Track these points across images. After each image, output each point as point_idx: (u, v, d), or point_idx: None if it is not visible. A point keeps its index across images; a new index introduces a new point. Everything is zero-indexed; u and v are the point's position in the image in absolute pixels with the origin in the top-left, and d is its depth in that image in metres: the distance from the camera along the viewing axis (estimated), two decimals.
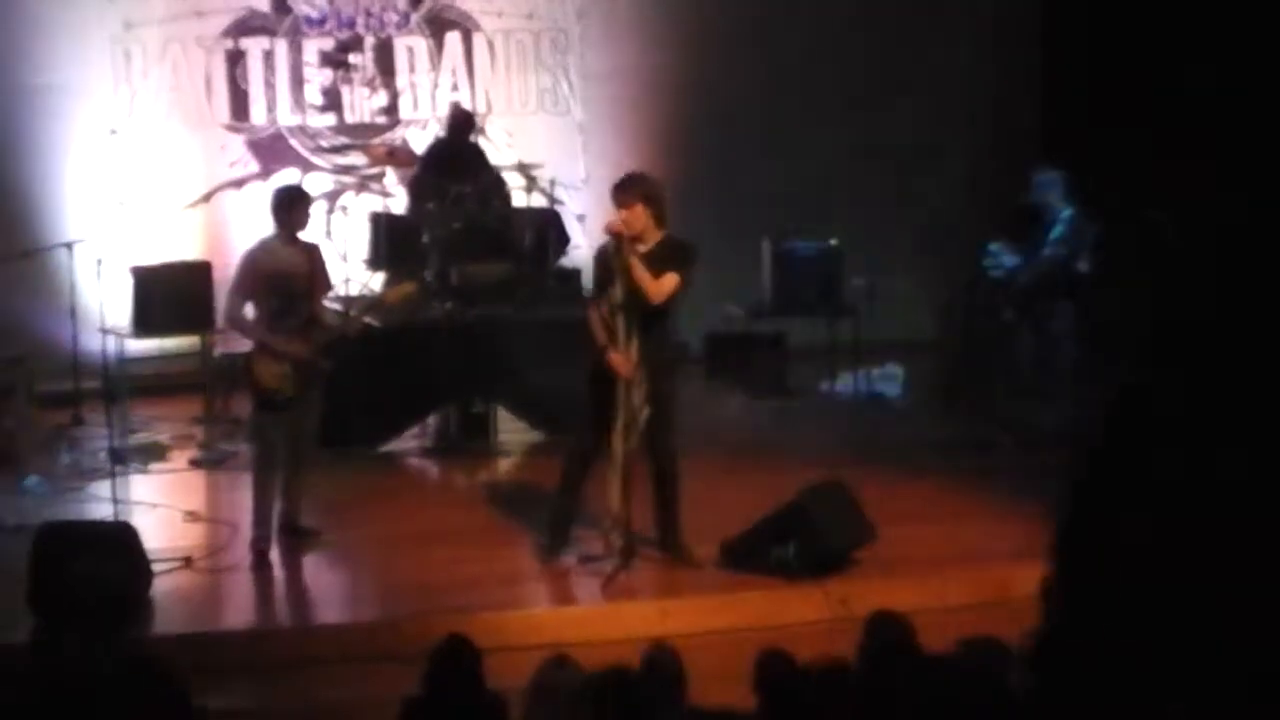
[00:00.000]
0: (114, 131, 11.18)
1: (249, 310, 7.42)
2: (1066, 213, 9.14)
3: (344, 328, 7.66)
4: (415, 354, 9.50)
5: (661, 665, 4.58)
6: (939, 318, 12.06)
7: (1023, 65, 12.51)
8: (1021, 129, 12.28)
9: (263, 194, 11.54)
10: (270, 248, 7.44)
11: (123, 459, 8.79)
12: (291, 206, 7.46)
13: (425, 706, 4.65)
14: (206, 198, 11.51)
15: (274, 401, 7.36)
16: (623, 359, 6.82)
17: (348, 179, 11.69)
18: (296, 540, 7.54)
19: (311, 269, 7.45)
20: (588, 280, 7.85)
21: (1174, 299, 8.73)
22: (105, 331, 9.48)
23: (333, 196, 11.69)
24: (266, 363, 7.31)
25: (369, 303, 9.35)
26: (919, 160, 12.48)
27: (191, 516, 8.12)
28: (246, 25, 11.57)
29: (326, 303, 7.78)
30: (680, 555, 7.07)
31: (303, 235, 7.62)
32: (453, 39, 11.94)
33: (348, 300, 9.86)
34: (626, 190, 7.00)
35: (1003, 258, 9.42)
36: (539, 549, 7.12)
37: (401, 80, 11.84)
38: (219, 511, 8.17)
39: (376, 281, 10.32)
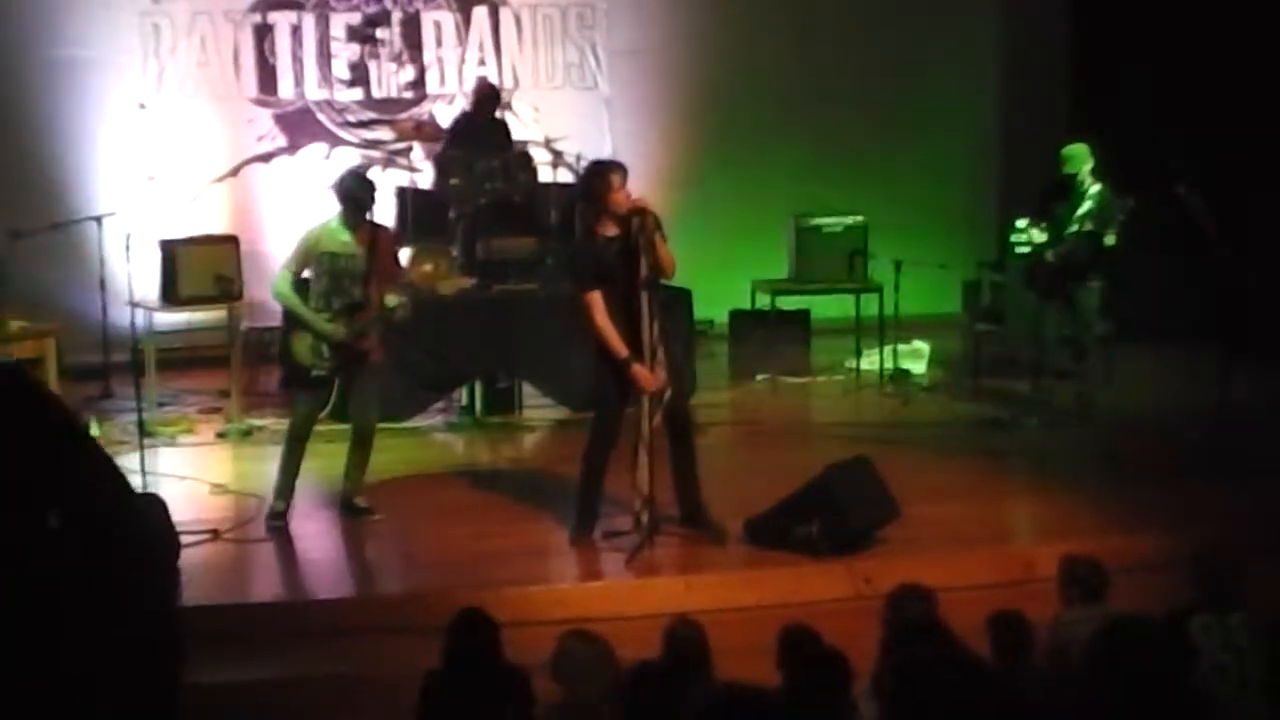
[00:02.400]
0: (142, 105, 11.21)
1: (299, 284, 7.43)
2: (1095, 188, 9.07)
3: (388, 315, 7.57)
4: (441, 329, 9.51)
5: (686, 640, 4.60)
6: (965, 295, 12.05)
7: (1051, 40, 12.45)
8: (1049, 105, 12.23)
9: (290, 168, 11.61)
10: (329, 228, 7.43)
11: (151, 431, 8.84)
12: (349, 196, 7.39)
13: (444, 680, 4.68)
14: (234, 172, 11.56)
15: (302, 376, 7.39)
16: (649, 375, 6.80)
17: (374, 154, 11.71)
18: (351, 517, 7.54)
19: (372, 254, 7.39)
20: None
21: (1202, 276, 8.69)
22: (134, 305, 9.53)
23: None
24: (303, 338, 7.35)
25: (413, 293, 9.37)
26: (946, 136, 12.45)
27: (219, 489, 8.17)
28: None
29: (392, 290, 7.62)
30: (705, 527, 7.07)
31: (370, 217, 7.48)
32: (480, 13, 11.94)
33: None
34: (625, 170, 7.00)
35: (1031, 234, 9.37)
36: (571, 531, 7.13)
37: (428, 55, 11.85)
38: (246, 484, 8.21)
39: (402, 256, 10.33)
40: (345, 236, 7.37)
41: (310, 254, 7.39)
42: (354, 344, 7.38)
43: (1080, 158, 9.16)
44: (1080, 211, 9.05)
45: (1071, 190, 9.16)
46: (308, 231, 7.49)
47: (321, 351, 7.34)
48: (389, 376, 9.32)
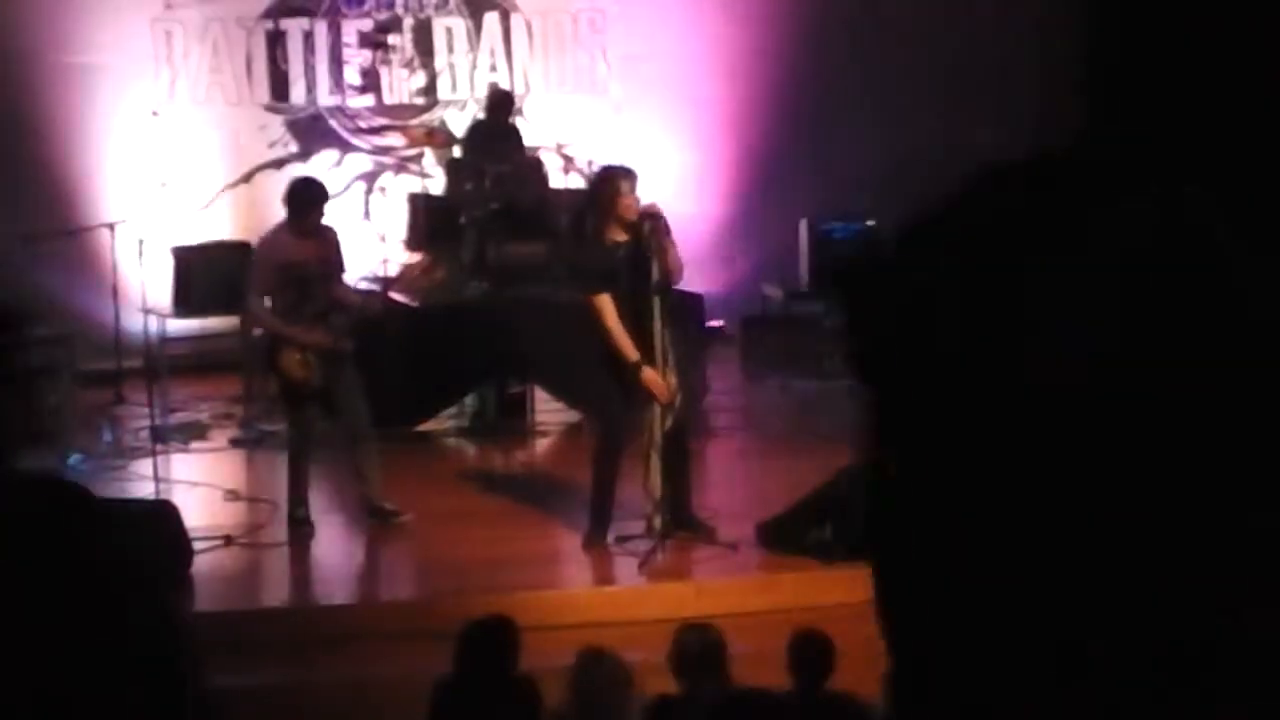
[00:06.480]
0: (155, 112, 11.23)
1: (268, 303, 7.43)
2: None
3: (364, 306, 7.61)
4: (452, 334, 9.52)
5: (702, 643, 4.58)
6: None
7: (1064, 44, 12.43)
8: (1061, 108, 12.21)
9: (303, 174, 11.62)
10: (280, 239, 7.44)
11: (164, 438, 8.85)
12: (302, 204, 7.40)
13: (455, 687, 4.66)
14: (246, 178, 11.57)
15: (301, 392, 7.38)
16: (660, 382, 6.78)
17: (386, 160, 11.73)
18: (380, 523, 7.44)
19: (325, 254, 7.43)
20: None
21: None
22: (146, 311, 9.55)
23: (371, 177, 11.73)
24: (289, 353, 7.31)
25: (397, 281, 9.38)
26: (957, 142, 12.42)
27: (231, 495, 8.17)
28: (286, 6, 11.61)
29: (353, 283, 7.73)
30: (694, 529, 7.05)
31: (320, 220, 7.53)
32: (491, 19, 11.95)
33: (384, 280, 9.90)
34: (635, 175, 7.02)
35: None
36: (585, 536, 7.11)
37: (440, 61, 11.86)
38: (259, 490, 8.22)
39: (413, 261, 10.36)
40: (305, 241, 7.36)
41: (271, 269, 7.37)
42: (337, 348, 7.37)
43: None
44: None
45: None
46: (260, 248, 7.50)
47: (310, 362, 7.31)
48: (401, 381, 9.35)
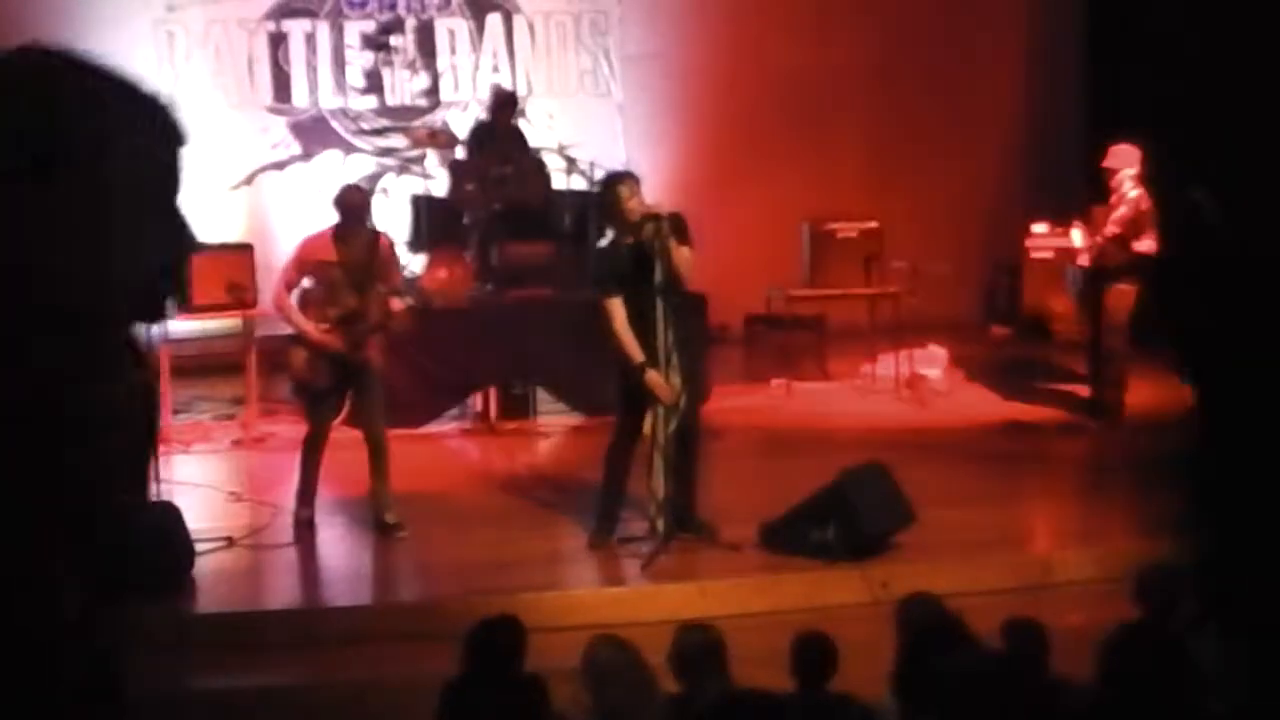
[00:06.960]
0: None
1: (294, 297, 7.41)
2: (1134, 193, 8.95)
3: (387, 325, 7.47)
4: (455, 335, 9.52)
5: (703, 643, 4.58)
6: (983, 301, 12.02)
7: (1072, 44, 12.43)
8: (1062, 111, 12.21)
9: (304, 176, 11.64)
10: (319, 237, 7.42)
11: (165, 438, 8.85)
12: (337, 209, 7.37)
13: (461, 688, 4.66)
14: (249, 179, 11.59)
15: (307, 390, 7.36)
16: (664, 384, 6.79)
17: (389, 161, 11.74)
18: (380, 534, 7.40)
19: (364, 262, 7.35)
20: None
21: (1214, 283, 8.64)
22: None
23: (374, 179, 11.74)
24: (300, 352, 7.28)
25: (412, 292, 9.35)
26: (964, 140, 12.43)
27: (233, 496, 8.18)
28: (289, 7, 11.62)
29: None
30: (694, 529, 7.05)
31: (372, 225, 7.51)
32: (493, 21, 11.96)
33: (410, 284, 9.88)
34: (635, 178, 7.06)
35: (1073, 235, 9.27)
36: (588, 536, 7.12)
37: (442, 62, 11.88)
38: (261, 491, 8.22)
39: (417, 263, 10.35)
40: (341, 245, 7.32)
41: (306, 264, 7.35)
42: (351, 355, 7.29)
43: (1122, 158, 8.97)
44: (1115, 215, 8.92)
45: (1110, 193, 9.00)
46: (303, 241, 7.47)
47: (317, 364, 7.27)
48: (404, 383, 9.36)
